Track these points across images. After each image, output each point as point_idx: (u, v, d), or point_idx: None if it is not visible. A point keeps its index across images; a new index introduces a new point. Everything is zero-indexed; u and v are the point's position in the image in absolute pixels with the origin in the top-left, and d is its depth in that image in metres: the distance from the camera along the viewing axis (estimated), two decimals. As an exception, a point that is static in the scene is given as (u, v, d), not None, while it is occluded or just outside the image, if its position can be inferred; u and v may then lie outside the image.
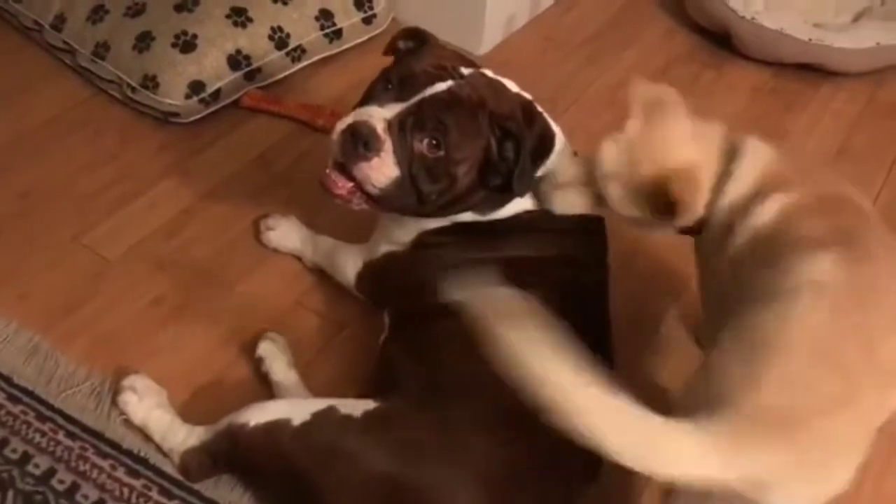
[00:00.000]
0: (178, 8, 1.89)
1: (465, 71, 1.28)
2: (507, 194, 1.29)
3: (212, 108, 1.86)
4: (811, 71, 2.16)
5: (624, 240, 1.51)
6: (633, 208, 1.22)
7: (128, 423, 1.31)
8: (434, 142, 1.21)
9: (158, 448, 1.28)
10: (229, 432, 1.17)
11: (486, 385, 1.13)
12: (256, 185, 1.74)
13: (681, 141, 1.20)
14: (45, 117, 1.85)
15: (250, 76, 1.90)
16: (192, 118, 1.85)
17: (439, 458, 1.09)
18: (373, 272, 1.42)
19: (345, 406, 1.14)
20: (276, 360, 1.38)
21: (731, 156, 1.21)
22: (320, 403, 1.15)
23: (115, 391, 1.34)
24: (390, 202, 1.26)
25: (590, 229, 1.35)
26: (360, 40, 2.07)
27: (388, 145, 1.20)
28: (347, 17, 2.03)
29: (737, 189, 1.18)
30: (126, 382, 1.33)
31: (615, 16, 2.34)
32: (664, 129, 1.21)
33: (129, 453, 1.28)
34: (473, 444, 1.11)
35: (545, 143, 1.30)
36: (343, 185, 1.26)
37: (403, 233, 1.36)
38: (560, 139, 1.35)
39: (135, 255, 1.59)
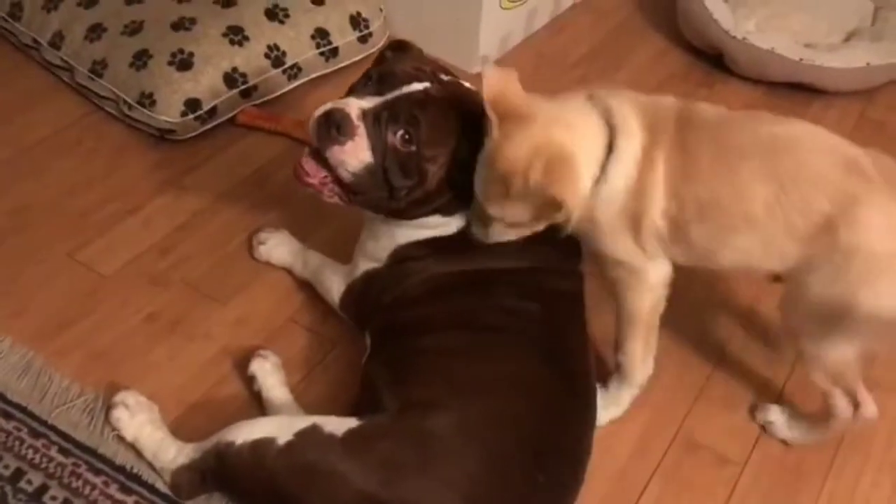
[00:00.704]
0: (175, 26, 1.90)
1: (444, 77, 1.32)
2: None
3: (208, 126, 1.88)
4: (802, 90, 2.18)
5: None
6: (523, 216, 1.22)
7: (121, 439, 1.32)
8: (406, 136, 1.25)
9: (150, 465, 1.28)
10: (217, 451, 1.17)
11: (465, 396, 1.16)
12: (252, 202, 1.75)
13: (528, 126, 1.19)
14: (42, 134, 1.87)
15: (246, 94, 1.91)
16: (188, 135, 1.86)
17: (419, 474, 1.10)
18: (354, 294, 1.44)
19: (328, 424, 1.14)
20: (268, 379, 1.39)
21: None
22: (304, 422, 1.15)
23: (108, 407, 1.34)
24: (362, 193, 1.29)
25: (560, 238, 1.36)
26: (356, 59, 2.09)
27: (361, 131, 1.24)
28: (343, 36, 2.05)
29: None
30: (118, 398, 1.33)
31: (608, 36, 2.37)
32: (512, 119, 1.20)
33: (122, 470, 1.29)
34: (454, 457, 1.12)
35: None
36: (315, 174, 1.29)
37: (380, 248, 1.38)
38: None
39: (129, 272, 1.60)
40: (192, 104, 1.83)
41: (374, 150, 1.25)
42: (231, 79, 1.88)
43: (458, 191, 1.29)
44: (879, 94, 2.21)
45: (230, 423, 1.23)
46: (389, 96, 1.26)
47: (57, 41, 1.97)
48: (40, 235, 1.65)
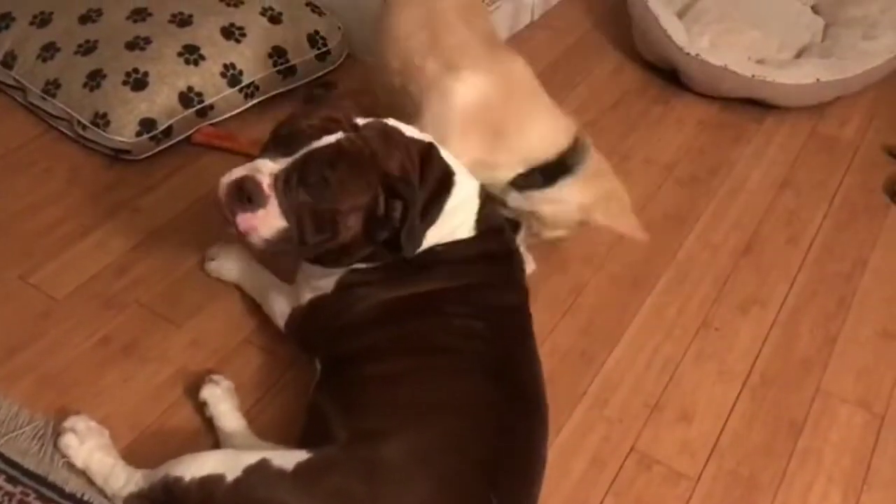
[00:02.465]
0: (130, 46, 1.89)
1: (361, 121, 1.30)
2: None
3: (163, 146, 1.87)
4: (756, 105, 2.22)
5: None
6: None
7: (71, 466, 1.30)
8: (318, 194, 1.22)
9: (101, 492, 1.27)
10: (165, 484, 1.16)
11: (414, 422, 1.16)
12: (208, 223, 1.74)
13: None
14: (-4, 154, 1.85)
15: (202, 113, 1.91)
16: (143, 155, 1.85)
17: None
18: (299, 320, 1.42)
19: (277, 458, 1.13)
20: (220, 405, 1.38)
21: None
22: (253, 457, 1.14)
23: (57, 433, 1.32)
24: (278, 248, 1.27)
25: (500, 254, 1.38)
26: (314, 76, 2.09)
27: (272, 198, 1.22)
28: (300, 55, 2.05)
29: None
30: (67, 424, 1.31)
31: (566, 52, 2.39)
32: None
33: (72, 498, 1.27)
34: (405, 486, 1.12)
35: (440, 197, 1.30)
36: (234, 227, 1.26)
37: (325, 278, 1.36)
38: (465, 182, 1.36)
39: (82, 295, 1.58)
40: (148, 124, 1.82)
41: (286, 213, 1.22)
42: (187, 98, 1.87)
43: (381, 241, 1.28)
44: (830, 109, 2.25)
45: (184, 448, 1.22)
46: (299, 155, 1.22)
47: (9, 61, 1.95)
48: (-9, 257, 1.63)
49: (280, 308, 1.46)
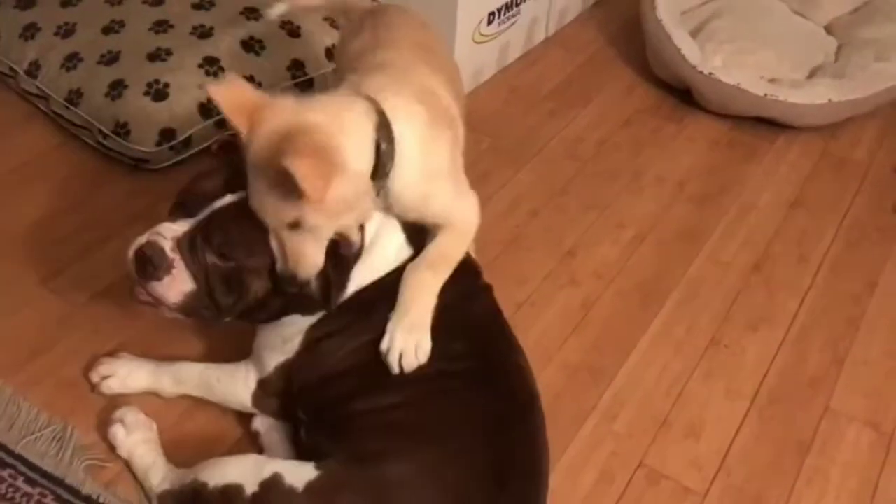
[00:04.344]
0: (152, 57, 1.93)
1: None
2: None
3: (182, 156, 1.90)
4: (768, 124, 2.24)
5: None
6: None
7: (88, 469, 1.33)
8: (224, 254, 1.21)
9: (139, 484, 1.31)
10: (193, 488, 1.19)
11: (413, 443, 1.19)
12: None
13: (278, 115, 1.14)
14: (16, 162, 1.88)
15: (221, 124, 1.94)
16: (162, 165, 1.88)
17: None
18: (271, 390, 1.36)
19: (289, 474, 1.15)
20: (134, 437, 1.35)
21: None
22: (268, 470, 1.16)
23: (106, 423, 1.36)
24: (194, 313, 1.26)
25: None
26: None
27: (178, 262, 1.21)
28: (318, 68, 2.09)
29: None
30: (117, 414, 1.36)
31: (579, 70, 2.42)
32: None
33: (88, 499, 1.29)
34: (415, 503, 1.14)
35: (348, 252, 1.25)
36: (146, 297, 1.25)
37: (287, 337, 1.31)
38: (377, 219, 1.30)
39: (101, 302, 1.61)
40: (167, 134, 1.85)
41: (195, 276, 1.21)
42: (206, 109, 1.91)
43: (298, 294, 1.23)
44: (842, 129, 2.27)
45: (199, 454, 1.25)
46: (202, 216, 1.21)
47: (33, 70, 1.99)
48: (12, 263, 1.66)
49: (240, 389, 1.38)
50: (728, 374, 1.62)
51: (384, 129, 1.17)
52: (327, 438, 1.23)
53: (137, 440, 1.33)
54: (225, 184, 1.23)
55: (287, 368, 1.32)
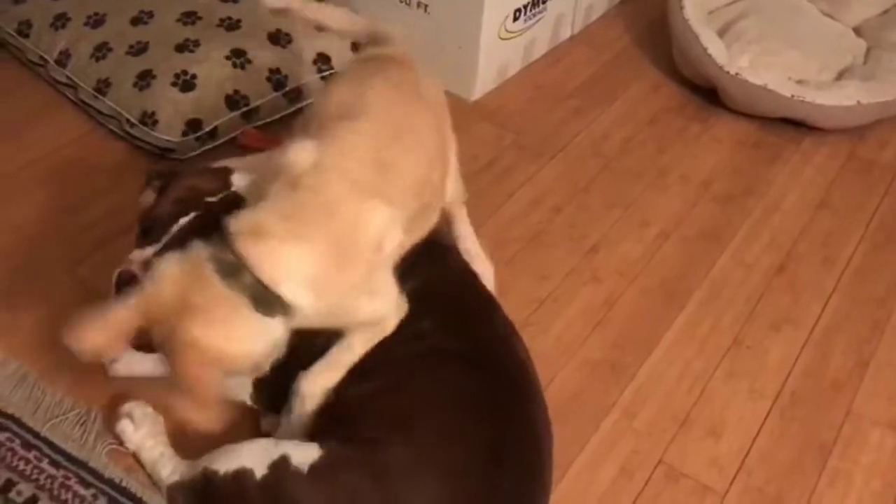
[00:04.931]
0: (180, 48, 1.94)
1: (211, 198, 1.34)
2: None
3: (208, 146, 1.91)
4: (794, 126, 2.22)
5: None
6: None
7: (111, 453, 1.34)
8: None
9: (149, 477, 1.31)
10: (205, 476, 1.20)
11: (406, 427, 1.19)
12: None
13: None
14: (44, 150, 1.90)
15: (247, 115, 1.95)
16: (188, 155, 1.89)
17: None
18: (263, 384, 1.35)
19: (295, 455, 1.16)
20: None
21: None
22: (274, 453, 1.17)
23: (115, 417, 1.37)
24: None
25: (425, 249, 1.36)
26: (355, 84, 2.13)
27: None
28: (345, 61, 2.09)
29: None
30: (124, 409, 1.36)
31: (604, 68, 2.41)
32: None
33: (111, 483, 1.30)
34: (415, 487, 1.15)
35: None
36: None
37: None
38: None
39: (126, 288, 1.63)
40: (194, 124, 1.87)
41: None
42: (233, 101, 1.92)
43: None
44: (870, 132, 2.25)
45: (214, 441, 1.24)
46: (165, 238, 1.31)
47: (63, 59, 2.01)
48: (39, 250, 1.68)
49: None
50: (750, 375, 1.61)
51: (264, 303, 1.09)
52: (322, 430, 1.23)
53: (145, 434, 1.34)
54: (175, 210, 1.32)
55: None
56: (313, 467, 1.15)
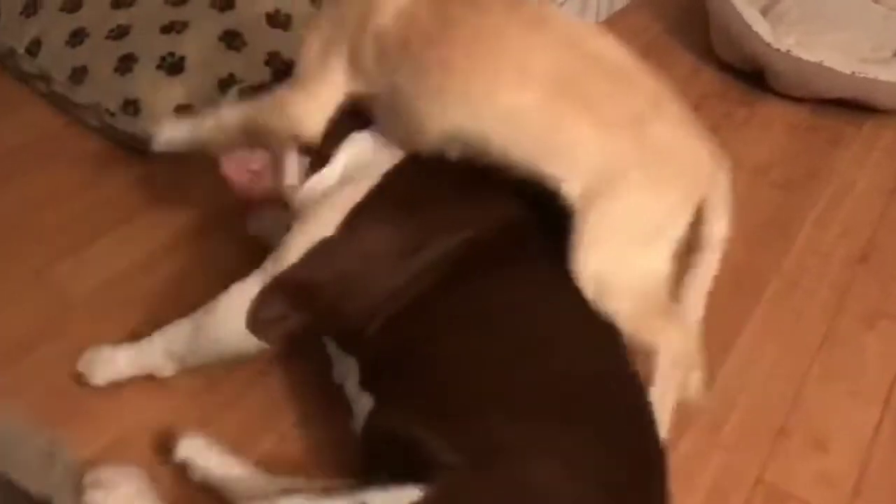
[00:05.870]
0: (166, 30, 1.71)
1: None
2: None
3: (200, 137, 1.67)
4: (851, 108, 2.00)
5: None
6: None
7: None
8: None
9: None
10: None
11: (544, 420, 0.89)
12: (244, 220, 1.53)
13: None
14: (13, 145, 1.66)
15: (244, 96, 1.71)
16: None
17: None
18: (287, 290, 1.05)
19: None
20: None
21: None
22: None
23: (79, 492, 1.06)
24: None
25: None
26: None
27: None
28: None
29: None
30: (87, 479, 1.05)
31: (638, 54, 2.18)
32: None
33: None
34: None
35: None
36: None
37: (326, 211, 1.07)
38: None
39: (104, 294, 1.38)
40: (184, 111, 1.63)
41: None
42: (227, 85, 1.68)
43: None
44: (934, 113, 2.03)
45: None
46: None
47: (34, 48, 1.77)
48: (8, 251, 1.44)
49: (235, 307, 1.08)
50: (850, 376, 1.36)
51: None
52: (415, 411, 0.90)
53: (121, 496, 1.04)
54: None
55: (320, 255, 1.02)
56: None
